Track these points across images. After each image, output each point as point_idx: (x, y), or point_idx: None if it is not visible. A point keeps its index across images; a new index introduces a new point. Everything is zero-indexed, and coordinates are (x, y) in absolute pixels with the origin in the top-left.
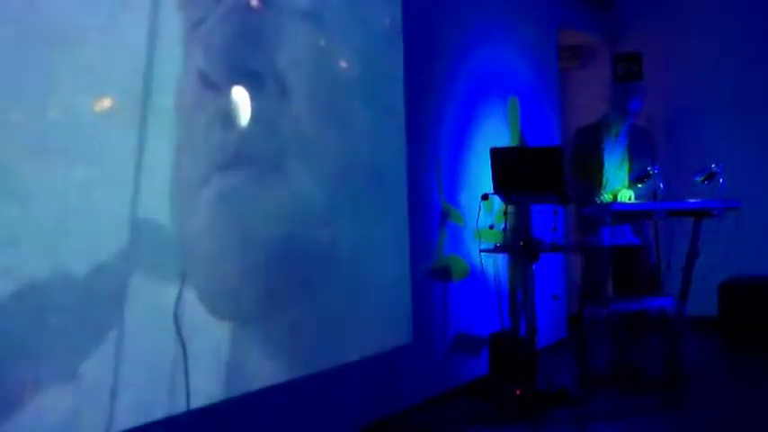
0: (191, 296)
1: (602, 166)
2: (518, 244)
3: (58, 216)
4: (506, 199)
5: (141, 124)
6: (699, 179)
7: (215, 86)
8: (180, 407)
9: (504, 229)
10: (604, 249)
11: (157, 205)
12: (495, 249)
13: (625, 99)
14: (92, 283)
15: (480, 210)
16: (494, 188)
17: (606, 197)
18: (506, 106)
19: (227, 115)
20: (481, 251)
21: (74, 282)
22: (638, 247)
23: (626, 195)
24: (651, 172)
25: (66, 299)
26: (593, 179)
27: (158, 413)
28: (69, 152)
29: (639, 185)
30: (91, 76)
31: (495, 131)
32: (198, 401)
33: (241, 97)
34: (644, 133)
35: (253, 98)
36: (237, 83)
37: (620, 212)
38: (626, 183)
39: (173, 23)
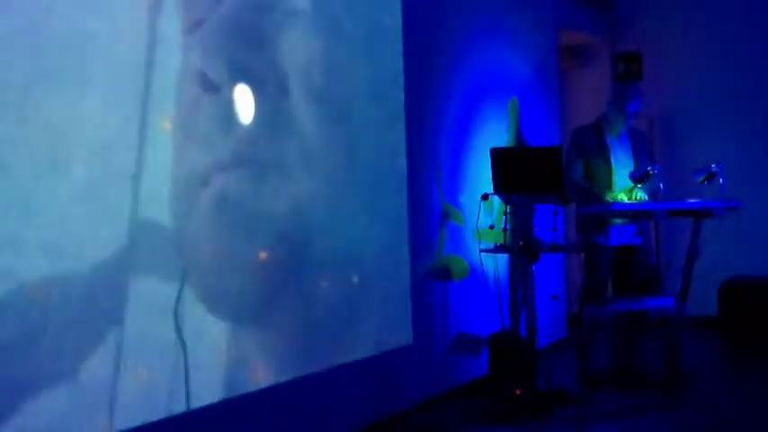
0: (191, 296)
1: (609, 165)
2: (518, 244)
3: (58, 216)
4: (506, 199)
5: (141, 124)
6: (699, 179)
7: (215, 86)
8: (180, 407)
9: (504, 229)
10: (607, 249)
11: (157, 205)
12: (495, 249)
13: (624, 100)
14: (92, 283)
15: (480, 210)
16: (494, 188)
17: (620, 196)
18: (507, 106)
19: (227, 115)
20: (481, 251)
21: (74, 282)
22: (637, 247)
23: (639, 194)
24: (651, 172)
25: (66, 299)
26: (601, 179)
27: (158, 413)
28: (69, 152)
29: (640, 185)
30: (91, 75)
31: (496, 131)
32: (198, 401)
33: (242, 97)
34: (644, 135)
35: (253, 98)
36: (237, 83)
37: (627, 212)
38: (628, 185)
39: (173, 23)
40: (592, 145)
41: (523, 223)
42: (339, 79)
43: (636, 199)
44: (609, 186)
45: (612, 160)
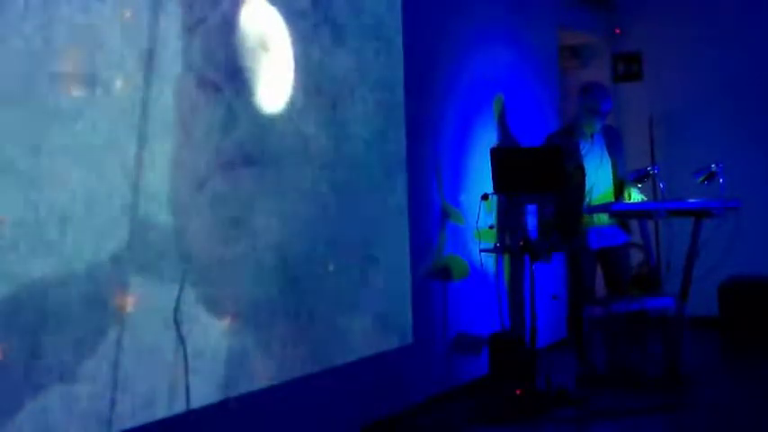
0: (191, 296)
1: (582, 167)
2: (518, 244)
3: (58, 216)
4: (507, 199)
5: (141, 124)
6: (699, 179)
7: (215, 86)
8: (180, 407)
9: (491, 227)
10: (591, 251)
11: (157, 205)
12: (496, 249)
13: (596, 101)
14: (92, 283)
15: (480, 210)
16: (494, 188)
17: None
18: (504, 106)
19: (226, 115)
20: (481, 251)
21: (74, 282)
22: (625, 246)
23: (636, 195)
24: (651, 172)
25: (66, 299)
26: (575, 181)
27: (158, 413)
28: (69, 152)
29: (640, 185)
30: (90, 75)
31: (496, 131)
32: (198, 401)
33: (242, 96)
34: (617, 132)
35: (252, 98)
36: (237, 83)
37: (628, 212)
38: (609, 183)
39: (173, 23)
40: (565, 148)
41: (520, 223)
42: (338, 78)
43: (631, 199)
44: (583, 187)
45: (585, 162)
